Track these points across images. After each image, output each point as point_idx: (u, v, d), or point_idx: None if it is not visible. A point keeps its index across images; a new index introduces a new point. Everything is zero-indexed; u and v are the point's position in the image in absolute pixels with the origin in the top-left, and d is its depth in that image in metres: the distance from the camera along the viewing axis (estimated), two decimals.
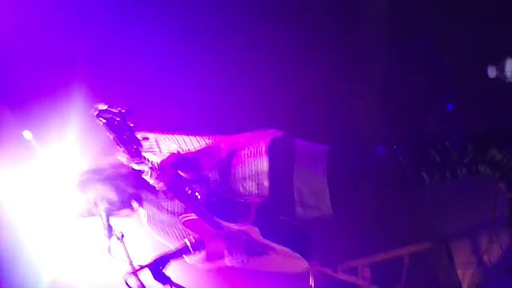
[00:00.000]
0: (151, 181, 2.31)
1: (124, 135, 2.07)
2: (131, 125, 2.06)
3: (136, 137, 2.11)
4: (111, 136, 2.06)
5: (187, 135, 2.77)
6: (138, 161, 2.22)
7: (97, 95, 3.53)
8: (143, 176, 2.31)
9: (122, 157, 2.25)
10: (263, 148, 2.78)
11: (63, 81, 3.67)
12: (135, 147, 2.14)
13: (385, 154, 2.91)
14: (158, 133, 2.74)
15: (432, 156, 2.81)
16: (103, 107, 1.98)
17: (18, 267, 3.84)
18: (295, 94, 3.83)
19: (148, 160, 2.24)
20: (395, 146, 2.89)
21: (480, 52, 3.22)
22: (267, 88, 3.83)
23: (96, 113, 1.98)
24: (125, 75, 3.70)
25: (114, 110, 1.99)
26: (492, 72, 2.68)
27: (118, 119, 2.00)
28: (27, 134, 3.81)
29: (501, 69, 2.64)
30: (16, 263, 3.84)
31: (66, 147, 3.75)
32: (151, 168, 2.26)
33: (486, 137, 2.82)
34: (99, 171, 2.64)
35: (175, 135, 2.75)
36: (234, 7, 3.68)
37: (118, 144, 2.11)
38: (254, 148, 2.80)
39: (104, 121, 2.00)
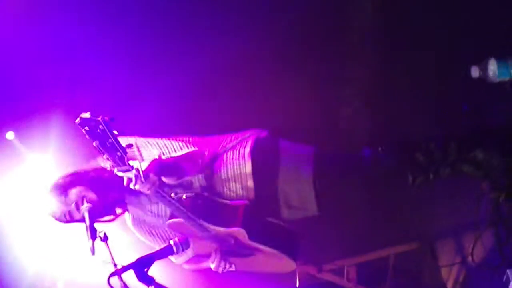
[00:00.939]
0: (136, 188, 2.29)
1: (108, 143, 2.07)
2: (115, 132, 2.06)
3: (120, 144, 2.11)
4: (95, 144, 2.06)
5: (169, 138, 2.75)
6: (122, 169, 2.21)
7: (81, 97, 3.53)
8: (126, 183, 2.29)
9: (106, 164, 2.24)
10: (247, 150, 2.77)
11: (48, 82, 3.65)
12: (119, 154, 2.14)
13: (371, 156, 2.93)
14: (139, 137, 2.71)
15: (416, 156, 2.83)
16: (86, 115, 1.99)
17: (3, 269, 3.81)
18: (281, 97, 3.83)
19: (132, 167, 2.23)
20: (380, 149, 2.91)
21: (465, 52, 3.25)
22: (253, 91, 3.84)
23: (79, 121, 1.99)
24: (108, 76, 3.68)
25: (97, 119, 1.99)
26: (475, 72, 2.70)
27: (101, 127, 2.01)
28: (9, 134, 3.78)
29: (484, 69, 2.66)
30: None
31: (50, 149, 3.73)
32: (135, 175, 2.25)
33: (470, 138, 2.84)
34: (82, 175, 2.61)
35: (157, 139, 2.72)
36: (219, 10, 3.68)
37: (102, 152, 2.11)
38: (237, 150, 2.79)
39: (88, 129, 2.00)
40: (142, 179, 2.27)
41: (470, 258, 3.18)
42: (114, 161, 2.16)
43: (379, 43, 3.67)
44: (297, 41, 3.74)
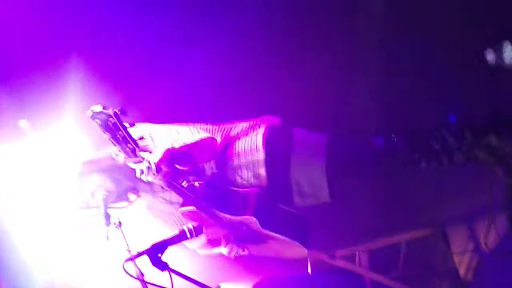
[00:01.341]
0: (149, 179, 2.31)
1: (119, 135, 2.09)
2: (126, 125, 2.08)
3: (131, 136, 2.13)
4: (106, 136, 2.08)
5: (181, 124, 2.75)
6: (134, 161, 2.23)
7: (93, 83, 3.54)
8: (139, 175, 2.31)
9: (118, 155, 2.25)
10: (259, 137, 2.77)
11: (61, 69, 3.66)
12: (130, 146, 2.15)
13: (383, 144, 2.92)
14: (152, 124, 2.72)
15: (429, 142, 2.81)
16: (97, 108, 2.01)
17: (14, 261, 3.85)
18: (294, 84, 3.82)
19: (144, 159, 2.24)
20: (393, 135, 2.90)
21: (479, 37, 3.21)
22: (266, 78, 3.82)
23: (91, 114, 2.01)
24: (120, 64, 3.68)
25: (108, 112, 2.01)
26: (490, 56, 2.67)
27: (111, 120, 2.02)
28: (23, 122, 3.80)
29: (499, 53, 2.63)
30: (12, 256, 3.85)
31: (64, 138, 3.76)
32: (147, 167, 2.26)
33: (484, 124, 2.83)
34: (96, 163, 2.64)
35: (169, 125, 2.73)
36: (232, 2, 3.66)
37: (114, 144, 2.13)
38: (250, 137, 2.79)
39: (99, 122, 2.02)
40: (154, 170, 2.28)
41: (483, 244, 3.18)
42: (126, 152, 2.19)
43: (392, 29, 3.64)
44: (309, 28, 3.71)
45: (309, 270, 3.86)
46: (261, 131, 2.80)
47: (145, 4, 3.59)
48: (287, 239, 2.69)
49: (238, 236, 2.76)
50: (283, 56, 3.78)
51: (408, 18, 3.61)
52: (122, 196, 2.70)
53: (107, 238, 2.38)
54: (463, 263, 3.75)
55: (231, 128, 2.86)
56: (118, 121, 2.05)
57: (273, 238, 2.70)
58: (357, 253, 3.88)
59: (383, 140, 2.92)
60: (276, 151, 2.77)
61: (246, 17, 3.65)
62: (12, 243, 3.78)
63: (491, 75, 2.83)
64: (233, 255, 2.81)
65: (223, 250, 2.82)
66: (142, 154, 2.24)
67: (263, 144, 2.74)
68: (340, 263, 3.90)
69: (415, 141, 2.86)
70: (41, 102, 3.70)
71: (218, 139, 2.76)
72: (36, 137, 3.84)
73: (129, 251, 2.32)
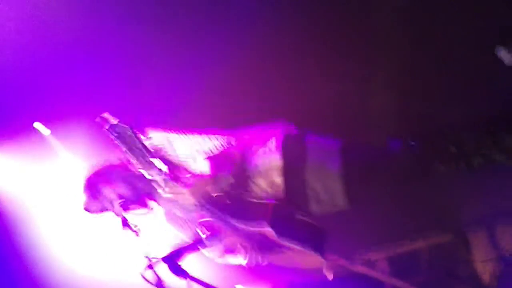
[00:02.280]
0: (166, 192, 2.31)
1: (135, 148, 2.11)
2: (143, 138, 2.10)
3: (148, 149, 2.14)
4: (123, 149, 2.10)
5: (201, 133, 2.76)
6: (151, 173, 2.24)
7: (108, 96, 3.58)
8: (158, 188, 2.31)
9: (134, 168, 2.27)
10: (274, 145, 2.76)
11: (79, 83, 3.72)
12: (147, 159, 2.17)
13: (400, 147, 2.89)
14: (173, 132, 2.74)
15: (447, 146, 2.78)
16: (114, 121, 2.03)
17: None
18: (310, 88, 3.81)
19: (161, 171, 2.25)
20: (409, 139, 2.87)
21: (494, 37, 3.17)
22: (280, 82, 3.82)
23: (107, 127, 2.03)
24: (134, 75, 3.72)
25: (125, 126, 2.03)
26: (503, 55, 2.64)
27: (128, 133, 2.04)
28: (43, 129, 3.88)
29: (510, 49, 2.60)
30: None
31: (83, 144, 3.81)
32: (164, 179, 2.27)
33: (502, 126, 2.79)
34: (114, 170, 2.66)
35: (190, 135, 2.74)
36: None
37: (130, 156, 2.15)
38: (265, 146, 2.78)
39: (116, 134, 2.04)
40: (170, 184, 2.29)
41: (505, 250, 3.13)
42: (142, 164, 2.20)
43: (408, 31, 3.61)
44: (325, 29, 3.70)
45: (329, 277, 3.84)
46: (276, 139, 2.80)
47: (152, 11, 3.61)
48: (304, 249, 2.68)
49: (256, 246, 2.76)
50: (298, 60, 3.78)
51: (423, 18, 3.59)
52: (141, 202, 2.73)
53: (127, 245, 2.40)
54: (486, 269, 3.70)
55: (247, 137, 2.86)
56: (135, 134, 2.07)
57: (290, 248, 2.69)
58: (376, 258, 3.85)
59: (400, 143, 2.89)
60: (292, 158, 2.75)
61: (262, 18, 3.64)
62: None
63: (507, 74, 2.79)
64: (251, 264, 2.80)
65: (241, 260, 2.81)
66: (159, 166, 2.24)
67: (279, 152, 2.74)
68: (360, 268, 3.88)
69: (432, 145, 2.82)
70: (63, 109, 3.77)
71: (236, 150, 2.76)
72: (57, 143, 3.91)
73: (148, 258, 2.33)
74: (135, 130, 2.06)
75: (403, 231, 3.87)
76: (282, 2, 3.63)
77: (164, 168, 2.27)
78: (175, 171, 2.43)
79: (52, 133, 3.92)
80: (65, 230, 3.98)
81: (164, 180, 2.27)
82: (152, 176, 2.26)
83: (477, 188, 3.36)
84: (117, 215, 2.54)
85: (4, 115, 3.77)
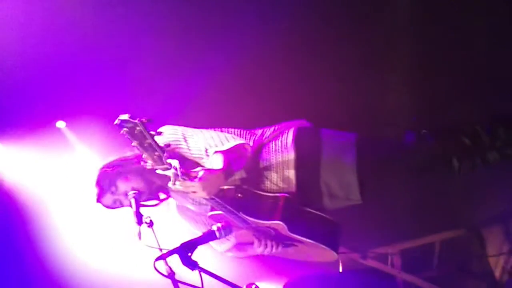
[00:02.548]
0: (177, 185, 2.32)
1: (146, 143, 2.12)
2: (153, 133, 2.11)
3: (158, 144, 2.15)
4: (134, 144, 2.11)
5: (215, 129, 2.76)
6: (161, 168, 2.25)
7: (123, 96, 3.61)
8: (171, 184, 2.33)
9: (146, 162, 2.28)
10: (289, 140, 2.75)
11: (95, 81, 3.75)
12: (157, 154, 2.18)
13: (415, 141, 2.86)
14: (187, 127, 2.74)
15: (462, 141, 2.75)
16: (124, 117, 2.04)
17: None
18: (325, 84, 3.80)
19: (171, 165, 2.26)
20: (424, 131, 2.84)
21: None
22: (295, 77, 3.82)
23: (118, 122, 2.04)
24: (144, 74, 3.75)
25: (134, 120, 2.04)
26: None
27: (138, 128, 2.05)
28: (60, 123, 3.91)
29: None
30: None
31: (98, 137, 3.84)
32: (174, 174, 2.28)
33: None
34: (127, 163, 2.68)
35: (203, 130, 2.74)
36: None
37: (141, 152, 2.16)
38: (280, 141, 2.77)
39: (126, 130, 2.06)
40: (180, 178, 2.29)
41: None
42: (153, 160, 2.21)
43: (423, 27, 3.58)
44: (338, 25, 3.68)
45: (341, 270, 3.84)
46: (291, 133, 2.78)
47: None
48: (316, 243, 2.67)
49: (268, 237, 2.75)
50: (314, 55, 3.77)
51: (439, 15, 3.56)
52: (153, 194, 2.74)
53: (139, 236, 2.41)
54: (499, 264, 3.68)
55: (261, 133, 2.85)
56: (145, 130, 2.08)
57: (302, 242, 2.68)
58: (389, 253, 3.84)
59: (414, 136, 2.85)
60: (306, 152, 2.74)
61: (274, 15, 3.64)
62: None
63: None
64: (267, 252, 2.77)
65: (255, 249, 2.80)
66: (169, 160, 2.25)
67: (293, 146, 2.72)
68: (372, 263, 3.87)
69: (447, 139, 2.79)
70: (78, 104, 3.80)
71: (250, 144, 2.75)
72: (73, 138, 3.95)
73: (160, 249, 2.35)
74: (146, 125, 2.06)
75: (416, 225, 3.85)
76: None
77: (175, 163, 2.27)
78: (187, 166, 2.43)
79: (67, 126, 3.96)
80: (80, 223, 4.01)
81: (175, 174, 2.27)
82: (163, 171, 2.27)
83: (492, 183, 3.33)
84: (130, 207, 2.56)
85: (21, 110, 3.82)
